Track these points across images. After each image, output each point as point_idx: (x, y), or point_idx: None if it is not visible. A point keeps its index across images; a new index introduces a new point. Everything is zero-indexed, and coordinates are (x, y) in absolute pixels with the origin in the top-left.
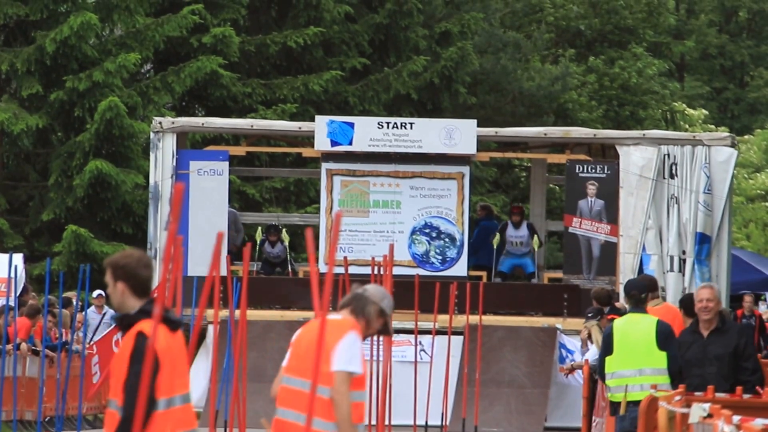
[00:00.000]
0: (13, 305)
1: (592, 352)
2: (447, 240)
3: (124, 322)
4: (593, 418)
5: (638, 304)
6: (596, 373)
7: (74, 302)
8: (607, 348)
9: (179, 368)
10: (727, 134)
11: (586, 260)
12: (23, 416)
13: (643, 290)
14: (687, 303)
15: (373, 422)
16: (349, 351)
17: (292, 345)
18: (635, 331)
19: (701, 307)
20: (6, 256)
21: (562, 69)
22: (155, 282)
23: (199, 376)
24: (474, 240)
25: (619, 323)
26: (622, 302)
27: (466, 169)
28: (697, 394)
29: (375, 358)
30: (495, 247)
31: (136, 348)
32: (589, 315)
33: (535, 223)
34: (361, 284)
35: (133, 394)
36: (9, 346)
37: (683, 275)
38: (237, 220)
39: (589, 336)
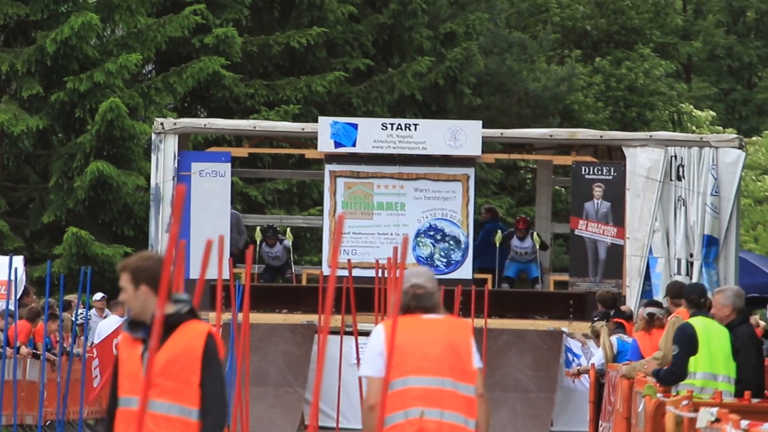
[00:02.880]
0: (13, 308)
1: (599, 356)
2: (452, 242)
3: (169, 322)
4: (600, 422)
5: (701, 308)
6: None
7: (74, 305)
8: (692, 348)
9: None
10: (735, 136)
11: (593, 263)
12: (24, 420)
13: (703, 294)
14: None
15: None
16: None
17: (405, 346)
18: (714, 335)
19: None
20: (6, 258)
21: (568, 70)
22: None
23: None
24: (479, 243)
25: (699, 324)
26: (628, 306)
27: (471, 171)
28: (704, 398)
29: None
30: (497, 245)
31: (211, 348)
32: (596, 318)
33: (541, 226)
34: (413, 285)
35: (222, 396)
36: (9, 350)
37: (690, 278)
38: (240, 222)
39: (597, 336)
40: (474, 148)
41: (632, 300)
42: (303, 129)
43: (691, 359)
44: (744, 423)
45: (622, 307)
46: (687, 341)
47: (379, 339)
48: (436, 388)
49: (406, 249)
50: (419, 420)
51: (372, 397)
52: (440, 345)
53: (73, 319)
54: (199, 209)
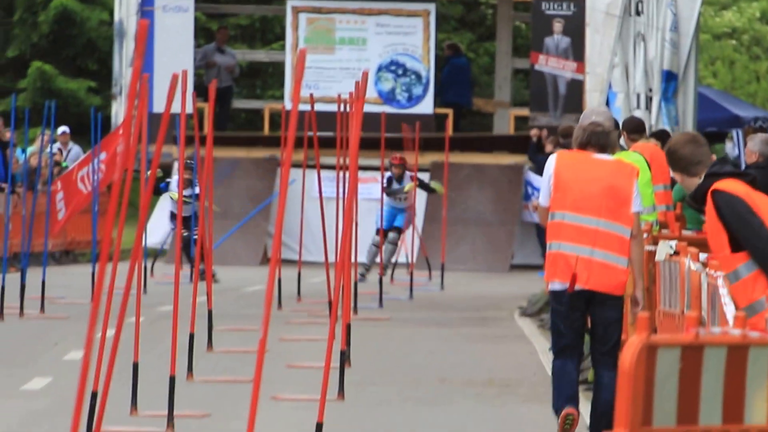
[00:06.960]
0: None
1: None
2: (413, 77)
3: (697, 199)
4: None
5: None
6: None
7: (38, 139)
8: None
9: None
10: None
11: (553, 98)
12: None
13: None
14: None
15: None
16: (639, 193)
17: (568, 183)
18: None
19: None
20: None
21: None
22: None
23: (164, 216)
24: (444, 78)
25: None
26: None
27: (431, 6)
28: (663, 231)
29: (340, 195)
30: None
31: (718, 207)
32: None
33: (502, 61)
34: (592, 123)
35: (757, 244)
36: None
37: (650, 113)
38: (208, 56)
39: None
40: None
41: None
42: None
43: None
44: (702, 256)
45: None
46: None
47: (549, 168)
48: (591, 227)
49: (366, 83)
50: (567, 255)
51: (542, 221)
52: (602, 186)
53: (39, 150)
54: (162, 44)
